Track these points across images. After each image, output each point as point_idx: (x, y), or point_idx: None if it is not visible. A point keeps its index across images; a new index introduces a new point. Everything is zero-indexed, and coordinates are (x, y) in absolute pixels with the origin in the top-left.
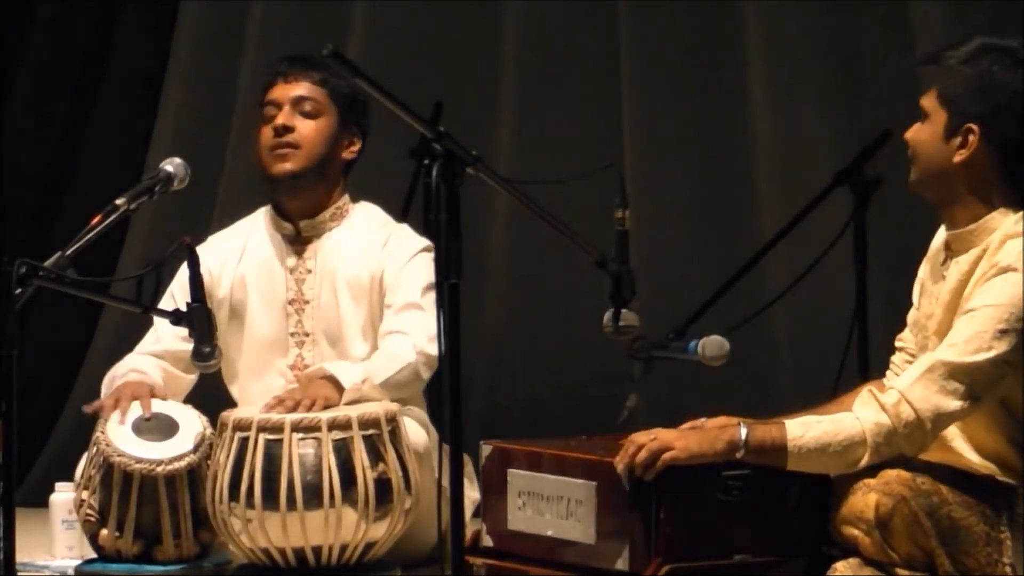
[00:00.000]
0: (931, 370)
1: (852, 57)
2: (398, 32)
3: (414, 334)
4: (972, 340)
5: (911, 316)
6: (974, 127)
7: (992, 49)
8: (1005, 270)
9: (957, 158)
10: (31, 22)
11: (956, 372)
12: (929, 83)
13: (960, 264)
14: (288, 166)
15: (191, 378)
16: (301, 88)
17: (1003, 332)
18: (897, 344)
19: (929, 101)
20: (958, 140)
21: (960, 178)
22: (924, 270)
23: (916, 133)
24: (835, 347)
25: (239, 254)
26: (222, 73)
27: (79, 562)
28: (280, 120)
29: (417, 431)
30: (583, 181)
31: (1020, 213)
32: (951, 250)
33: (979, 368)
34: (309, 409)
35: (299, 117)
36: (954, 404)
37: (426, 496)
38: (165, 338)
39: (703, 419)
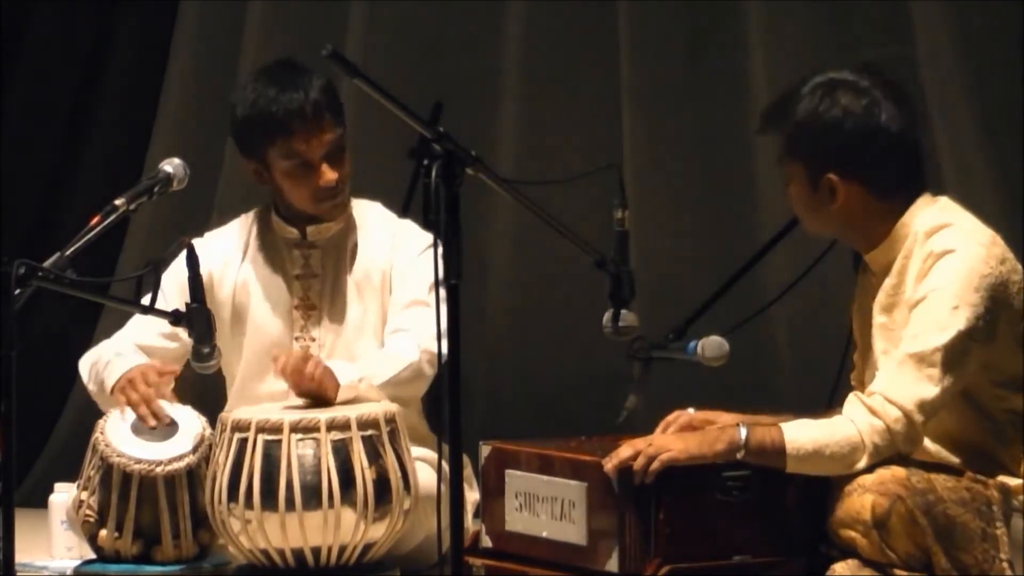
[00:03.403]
0: (901, 365)
1: (853, 57)
2: (398, 32)
3: (418, 331)
4: (930, 325)
5: (856, 356)
6: (831, 177)
7: (814, 89)
8: (942, 255)
9: (833, 207)
10: (31, 22)
11: (924, 359)
12: (778, 141)
13: (885, 287)
14: (340, 209)
15: None
16: (327, 137)
17: (955, 308)
18: (853, 383)
19: (783, 161)
20: (825, 193)
21: (846, 218)
22: (854, 308)
23: (792, 196)
24: (835, 348)
25: (240, 256)
26: (222, 73)
27: (78, 563)
28: (330, 176)
29: (427, 474)
30: (583, 181)
31: (922, 202)
32: (873, 273)
33: (945, 348)
34: (301, 377)
35: (335, 164)
36: (933, 390)
37: (429, 537)
38: (147, 332)
39: (690, 408)
